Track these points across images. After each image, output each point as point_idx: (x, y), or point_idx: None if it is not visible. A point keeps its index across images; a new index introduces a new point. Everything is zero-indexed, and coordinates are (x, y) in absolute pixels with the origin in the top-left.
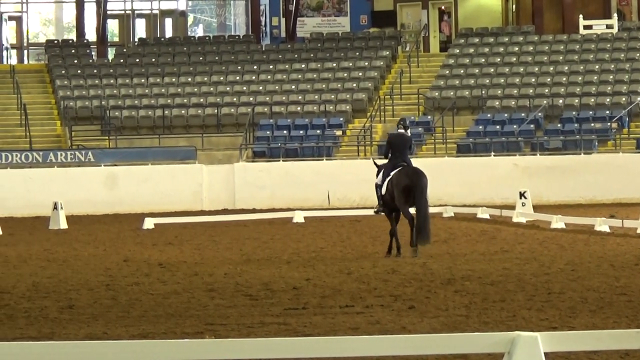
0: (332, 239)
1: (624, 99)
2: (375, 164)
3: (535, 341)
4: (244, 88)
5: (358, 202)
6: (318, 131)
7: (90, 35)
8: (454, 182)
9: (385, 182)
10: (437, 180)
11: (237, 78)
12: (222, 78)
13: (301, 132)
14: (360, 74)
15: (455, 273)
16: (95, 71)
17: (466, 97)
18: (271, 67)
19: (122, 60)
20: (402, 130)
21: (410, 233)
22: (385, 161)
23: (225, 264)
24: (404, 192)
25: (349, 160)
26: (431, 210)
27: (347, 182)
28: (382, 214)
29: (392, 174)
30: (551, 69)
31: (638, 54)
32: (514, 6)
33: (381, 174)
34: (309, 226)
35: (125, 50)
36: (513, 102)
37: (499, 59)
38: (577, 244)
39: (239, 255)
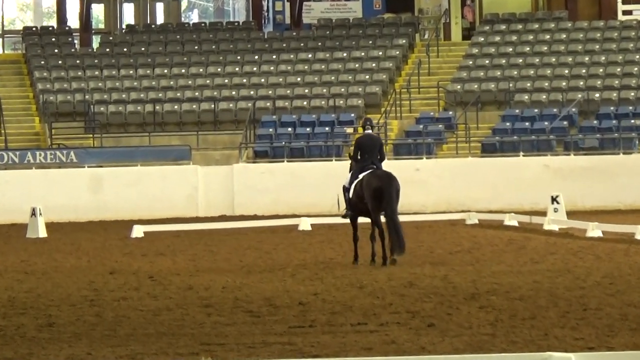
0: (343, 248)
1: None
2: (351, 157)
3: None
4: (244, 80)
5: None
6: (327, 128)
7: (73, 21)
8: (478, 185)
9: (353, 185)
10: (459, 184)
11: (237, 69)
12: (219, 69)
13: (308, 129)
14: (373, 64)
15: (479, 287)
16: (78, 62)
17: (492, 91)
18: (274, 57)
19: (108, 50)
20: (370, 131)
21: (381, 243)
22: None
23: (223, 277)
24: (374, 195)
25: None
26: (452, 216)
27: None
28: (348, 219)
29: (360, 176)
30: (586, 59)
31: None
32: None
33: (349, 176)
34: (317, 234)
35: (111, 38)
36: (544, 96)
37: (528, 48)
38: (615, 254)
39: (239, 267)
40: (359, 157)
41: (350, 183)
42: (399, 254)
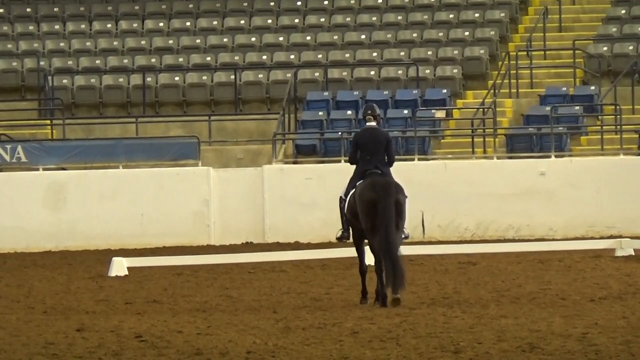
0: (430, 293)
1: None
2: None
3: None
4: (280, 39)
5: (474, 231)
6: (405, 111)
7: None
8: (634, 197)
9: (349, 197)
10: (605, 195)
11: (269, 22)
12: (242, 22)
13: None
14: (476, 14)
15: (636, 352)
16: (28, 10)
17: None
18: (325, 2)
19: None
20: (372, 124)
21: (377, 276)
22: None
23: (249, 336)
24: (368, 211)
25: (458, 162)
26: (595, 244)
27: (455, 198)
28: (347, 241)
29: (357, 184)
30: None
31: None
32: None
33: (347, 185)
34: None
35: None
36: None
37: None
38: None
39: (272, 322)
40: (358, 159)
41: (347, 194)
42: (400, 290)
